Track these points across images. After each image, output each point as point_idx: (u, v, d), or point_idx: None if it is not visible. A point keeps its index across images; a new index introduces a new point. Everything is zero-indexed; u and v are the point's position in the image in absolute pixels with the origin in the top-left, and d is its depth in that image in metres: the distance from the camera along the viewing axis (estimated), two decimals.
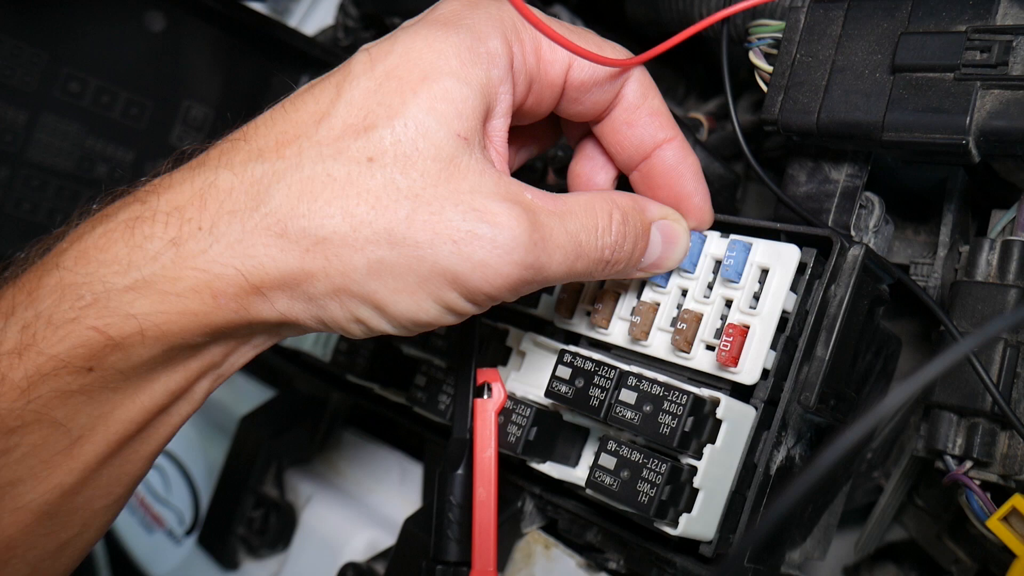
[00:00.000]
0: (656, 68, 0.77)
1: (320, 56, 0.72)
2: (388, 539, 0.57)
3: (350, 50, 0.74)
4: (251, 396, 0.71)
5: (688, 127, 0.58)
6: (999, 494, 0.41)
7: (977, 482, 0.41)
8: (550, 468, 0.46)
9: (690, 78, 0.80)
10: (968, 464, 0.41)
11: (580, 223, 0.38)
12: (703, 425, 0.40)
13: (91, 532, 0.38)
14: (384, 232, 0.34)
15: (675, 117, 0.52)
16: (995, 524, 0.37)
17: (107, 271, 0.34)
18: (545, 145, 0.48)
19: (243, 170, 0.35)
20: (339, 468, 0.65)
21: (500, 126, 0.39)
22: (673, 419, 0.39)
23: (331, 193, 0.34)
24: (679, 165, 0.43)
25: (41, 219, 0.65)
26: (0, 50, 0.60)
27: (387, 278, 0.35)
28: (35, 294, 0.34)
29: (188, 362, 0.37)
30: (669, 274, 0.44)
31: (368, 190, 0.34)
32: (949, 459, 0.42)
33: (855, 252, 0.40)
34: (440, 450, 0.55)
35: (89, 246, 0.35)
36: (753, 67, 0.48)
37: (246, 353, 0.39)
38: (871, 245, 0.46)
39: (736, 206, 0.64)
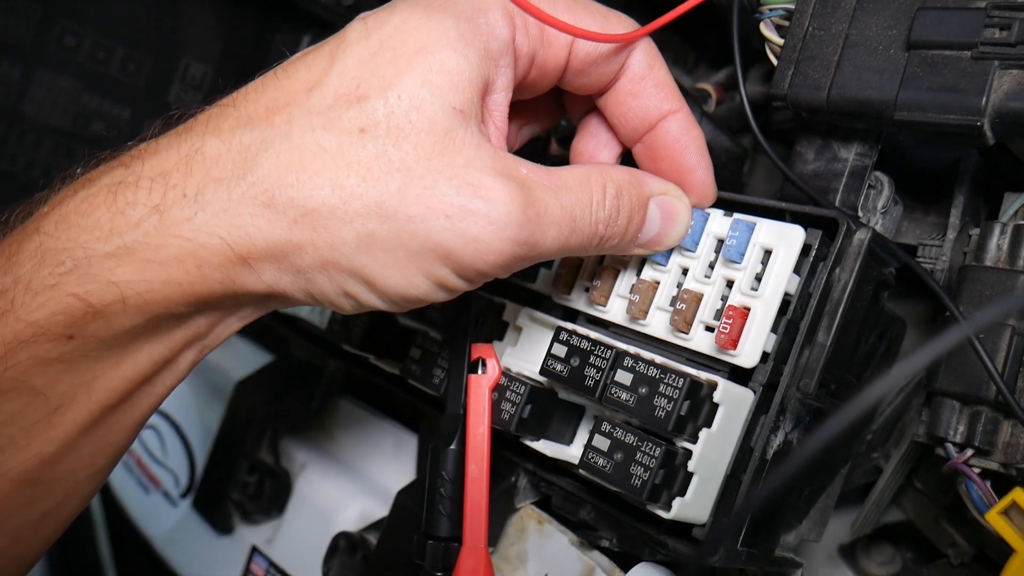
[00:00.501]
0: (665, 37, 0.76)
1: (322, 15, 0.71)
2: (381, 510, 0.57)
3: (353, 10, 0.72)
4: (248, 360, 0.70)
5: (695, 99, 0.56)
6: (999, 482, 0.41)
7: (977, 471, 0.40)
8: (544, 446, 0.45)
9: (700, 47, 0.78)
10: (969, 452, 0.40)
11: (575, 197, 0.37)
12: (699, 409, 0.39)
13: (73, 502, 0.38)
14: (375, 205, 0.33)
15: (682, 89, 0.51)
16: (994, 517, 0.37)
17: (88, 237, 0.33)
18: (548, 123, 0.47)
19: (231, 137, 0.34)
20: (334, 436, 0.65)
21: (500, 100, 0.38)
22: (669, 402, 0.38)
23: (321, 164, 0.33)
24: (683, 138, 0.42)
25: (36, 176, 0.64)
26: None
27: (377, 252, 0.34)
28: (14, 259, 0.34)
29: (172, 332, 0.36)
30: (670, 252, 0.43)
31: (359, 161, 0.33)
32: (950, 446, 0.41)
33: (861, 236, 0.39)
34: (435, 423, 0.54)
35: (70, 211, 0.34)
36: (764, 39, 0.46)
37: (232, 325, 0.38)
38: (879, 227, 0.45)
39: (743, 180, 0.63)
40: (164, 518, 0.71)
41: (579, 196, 0.37)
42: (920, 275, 0.42)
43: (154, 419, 0.76)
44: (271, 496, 0.62)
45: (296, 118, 0.34)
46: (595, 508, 0.46)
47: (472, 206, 0.34)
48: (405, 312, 0.52)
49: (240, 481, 0.63)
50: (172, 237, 0.33)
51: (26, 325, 0.33)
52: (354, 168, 0.33)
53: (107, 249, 0.33)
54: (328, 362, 0.65)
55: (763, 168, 0.66)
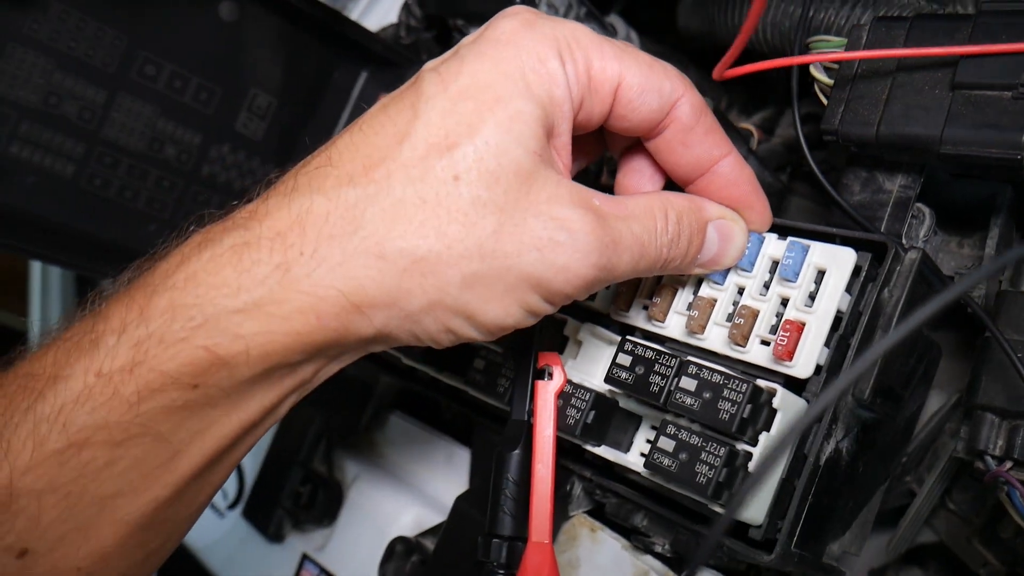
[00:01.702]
0: (698, 81, 0.80)
1: (381, 52, 0.75)
2: (435, 517, 0.59)
3: (411, 49, 0.76)
4: None
5: (742, 137, 0.60)
6: None
7: (1018, 482, 0.43)
8: (605, 451, 0.48)
9: (732, 91, 0.82)
10: (1008, 464, 0.43)
11: (642, 225, 0.41)
12: (759, 413, 0.42)
13: (174, 541, 0.41)
14: (475, 247, 0.37)
15: (731, 127, 0.54)
16: None
17: (217, 294, 0.36)
18: (591, 158, 0.50)
19: (336, 195, 0.37)
20: (385, 449, 0.67)
21: (564, 141, 0.41)
22: (732, 406, 0.41)
23: (424, 214, 0.37)
24: (737, 177, 0.45)
25: (111, 195, 0.68)
26: (85, 31, 0.63)
27: (479, 289, 0.37)
28: (146, 312, 0.36)
29: (283, 379, 0.39)
30: (727, 272, 0.47)
31: (458, 208, 0.37)
32: (989, 459, 0.44)
33: (912, 256, 0.43)
34: (490, 433, 0.57)
35: (198, 269, 0.37)
36: (814, 80, 0.50)
37: (333, 368, 0.41)
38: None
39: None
40: (211, 529, 0.73)
41: (645, 223, 0.41)
42: (962, 298, 0.45)
43: None
44: (323, 505, 0.64)
45: (393, 172, 0.37)
46: (649, 514, 0.49)
47: (559, 238, 0.37)
48: None
49: (292, 491, 0.65)
50: (294, 292, 0.36)
51: (158, 375, 0.36)
52: (454, 215, 0.37)
53: (235, 305, 0.36)
54: (380, 377, 0.68)
55: (795, 206, 0.70)
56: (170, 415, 0.36)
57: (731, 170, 0.44)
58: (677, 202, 0.43)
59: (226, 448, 0.39)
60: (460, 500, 0.54)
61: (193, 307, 0.36)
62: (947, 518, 0.56)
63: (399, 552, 0.56)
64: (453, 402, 0.59)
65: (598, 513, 0.53)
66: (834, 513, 0.46)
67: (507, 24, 0.40)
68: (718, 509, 0.42)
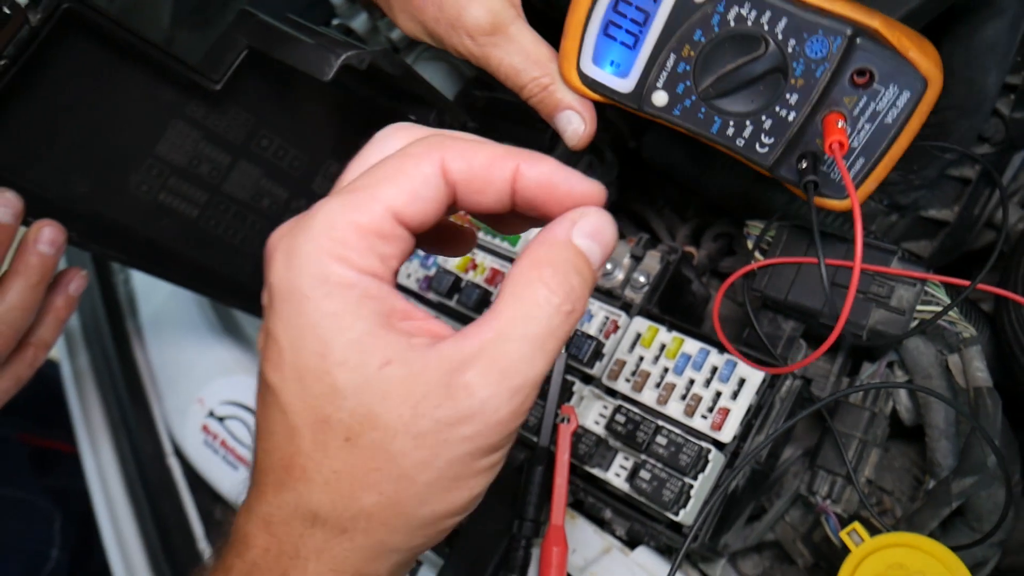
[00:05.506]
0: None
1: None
2: None
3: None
4: None
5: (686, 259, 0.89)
6: (841, 522, 0.75)
7: (835, 512, 0.75)
8: (597, 471, 0.76)
9: (688, 222, 1.10)
10: (828, 501, 0.75)
11: (522, 331, 0.37)
12: (701, 462, 0.71)
13: None
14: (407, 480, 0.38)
15: (689, 265, 0.82)
16: (844, 536, 0.70)
17: None
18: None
19: (281, 528, 0.39)
20: None
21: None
22: (687, 457, 0.70)
23: (348, 487, 0.38)
24: (540, 176, 0.41)
25: (220, 233, 0.89)
26: (228, 113, 0.83)
27: (436, 491, 0.40)
28: None
29: None
30: (685, 366, 0.75)
31: (386, 458, 0.37)
32: (819, 497, 0.75)
33: (794, 383, 0.73)
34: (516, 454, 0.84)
35: None
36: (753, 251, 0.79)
37: None
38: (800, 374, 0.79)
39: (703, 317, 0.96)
40: None
41: (528, 313, 0.38)
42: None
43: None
44: None
45: (307, 467, 0.38)
46: (615, 511, 0.77)
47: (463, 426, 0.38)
48: None
49: None
50: None
51: None
52: (385, 467, 0.37)
53: None
54: None
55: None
56: None
57: (531, 168, 0.41)
58: (539, 256, 0.39)
59: None
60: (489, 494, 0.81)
61: None
62: (783, 525, 0.88)
63: None
64: None
65: (578, 506, 0.81)
66: (728, 520, 0.77)
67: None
68: (672, 516, 0.71)
